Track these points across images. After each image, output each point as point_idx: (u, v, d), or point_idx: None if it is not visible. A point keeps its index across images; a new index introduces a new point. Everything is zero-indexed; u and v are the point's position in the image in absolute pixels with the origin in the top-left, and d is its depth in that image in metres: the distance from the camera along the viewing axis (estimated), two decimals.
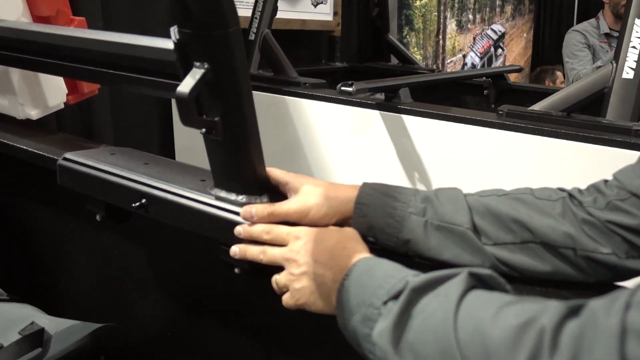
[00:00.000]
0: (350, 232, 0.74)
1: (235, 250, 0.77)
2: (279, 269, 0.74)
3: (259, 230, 0.76)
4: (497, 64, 5.21)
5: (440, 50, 4.30)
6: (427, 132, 1.90)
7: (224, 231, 0.80)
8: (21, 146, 1.16)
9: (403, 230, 0.74)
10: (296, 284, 0.71)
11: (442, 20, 4.25)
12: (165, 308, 1.13)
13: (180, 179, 0.90)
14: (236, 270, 0.81)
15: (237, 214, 0.80)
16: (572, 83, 3.35)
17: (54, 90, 1.25)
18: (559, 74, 4.15)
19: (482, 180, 1.80)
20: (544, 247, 0.71)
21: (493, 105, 2.78)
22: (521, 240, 0.71)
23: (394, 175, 1.97)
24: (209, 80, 0.73)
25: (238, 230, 0.78)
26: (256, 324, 0.99)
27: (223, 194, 0.83)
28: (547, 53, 5.57)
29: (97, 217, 1.00)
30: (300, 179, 0.81)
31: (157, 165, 0.97)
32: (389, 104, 1.97)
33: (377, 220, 0.75)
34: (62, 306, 1.29)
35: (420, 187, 1.93)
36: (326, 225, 0.76)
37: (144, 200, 0.89)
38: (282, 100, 2.23)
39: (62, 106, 1.29)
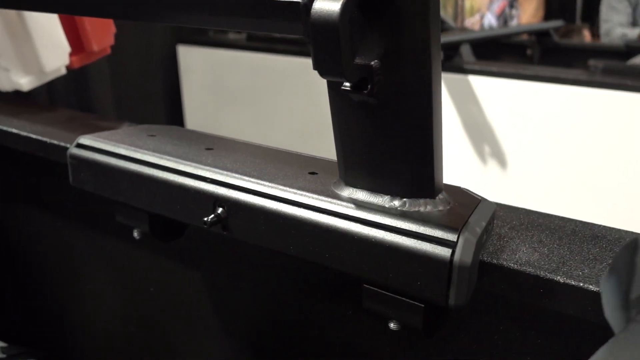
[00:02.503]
0: None
1: None
2: None
3: None
4: (512, 24, 4.97)
5: (459, 10, 3.97)
6: (501, 94, 1.61)
7: (369, 260, 0.46)
8: (10, 130, 0.81)
9: None
10: None
11: None
12: None
13: (274, 172, 0.55)
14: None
15: (395, 231, 0.46)
16: (606, 36, 3.17)
17: (53, 49, 0.88)
18: (585, 32, 3.97)
19: (571, 150, 1.52)
20: None
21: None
22: None
23: (460, 147, 1.66)
24: None
25: None
26: None
27: (363, 195, 0.49)
28: (559, 12, 5.33)
29: (135, 234, 0.66)
30: None
31: (228, 151, 0.62)
32: (450, 63, 1.65)
33: None
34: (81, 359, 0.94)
35: (492, 160, 1.63)
36: None
37: (220, 211, 0.54)
38: None
39: (64, 71, 0.93)
